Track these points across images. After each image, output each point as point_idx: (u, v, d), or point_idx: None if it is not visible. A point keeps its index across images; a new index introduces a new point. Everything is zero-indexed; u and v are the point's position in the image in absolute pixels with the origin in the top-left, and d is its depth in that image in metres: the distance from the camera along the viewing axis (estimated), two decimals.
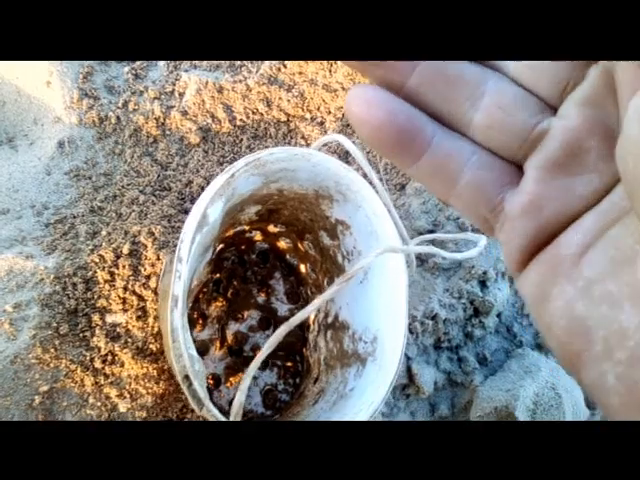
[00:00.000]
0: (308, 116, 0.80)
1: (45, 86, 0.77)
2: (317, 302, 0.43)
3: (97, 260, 0.64)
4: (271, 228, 0.64)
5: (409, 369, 0.68)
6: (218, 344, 0.65)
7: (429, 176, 0.21)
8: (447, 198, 0.22)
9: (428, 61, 0.21)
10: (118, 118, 0.77)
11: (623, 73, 0.19)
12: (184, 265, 0.43)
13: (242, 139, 0.79)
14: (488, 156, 0.22)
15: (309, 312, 0.42)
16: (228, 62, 0.83)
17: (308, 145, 0.78)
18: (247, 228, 0.63)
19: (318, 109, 0.80)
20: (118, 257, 0.64)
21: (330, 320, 0.61)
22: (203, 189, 0.74)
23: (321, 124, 0.79)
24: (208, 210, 0.45)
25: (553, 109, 0.21)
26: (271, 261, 0.69)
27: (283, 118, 0.80)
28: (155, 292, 0.63)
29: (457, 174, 0.21)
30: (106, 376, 0.61)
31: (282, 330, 0.40)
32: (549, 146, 0.21)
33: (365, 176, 0.51)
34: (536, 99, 0.21)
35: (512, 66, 0.22)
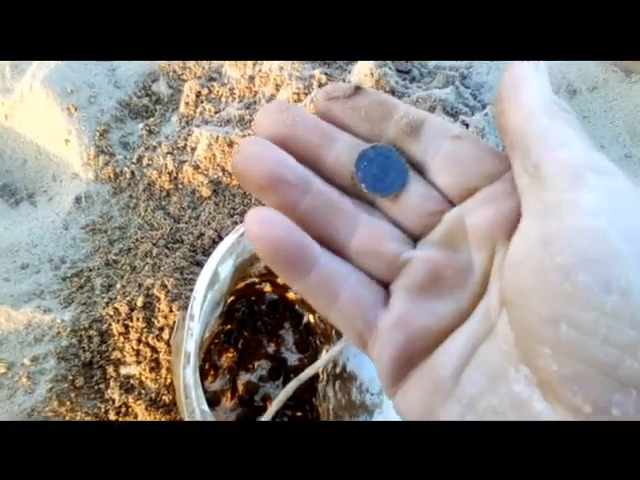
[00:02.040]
0: None
1: (64, 144, 0.81)
2: (326, 357, 0.45)
3: (112, 313, 0.66)
4: (280, 280, 0.66)
5: None
6: (229, 395, 0.66)
7: (313, 292, 0.24)
8: (328, 313, 0.24)
9: (317, 192, 0.24)
10: (132, 173, 0.81)
11: (473, 220, 0.24)
12: (196, 323, 0.45)
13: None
14: (364, 277, 0.25)
15: (318, 368, 0.44)
16: (238, 117, 0.86)
17: None
18: (257, 280, 0.65)
19: None
20: (132, 310, 0.66)
21: (338, 370, 0.62)
22: (214, 241, 0.77)
23: None
24: (219, 268, 0.47)
25: (416, 240, 0.25)
26: (280, 311, 0.70)
27: None
28: (168, 344, 0.65)
29: (337, 291, 0.24)
30: None
31: (291, 386, 0.41)
32: (412, 273, 0.24)
33: None
34: (402, 233, 0.25)
35: (384, 204, 0.26)
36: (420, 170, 0.26)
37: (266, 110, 0.25)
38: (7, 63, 0.85)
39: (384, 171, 0.25)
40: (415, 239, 0.25)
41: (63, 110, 0.81)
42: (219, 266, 0.47)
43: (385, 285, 0.25)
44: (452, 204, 0.25)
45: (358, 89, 0.26)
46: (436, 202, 0.25)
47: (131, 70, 0.90)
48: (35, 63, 0.85)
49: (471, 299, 0.24)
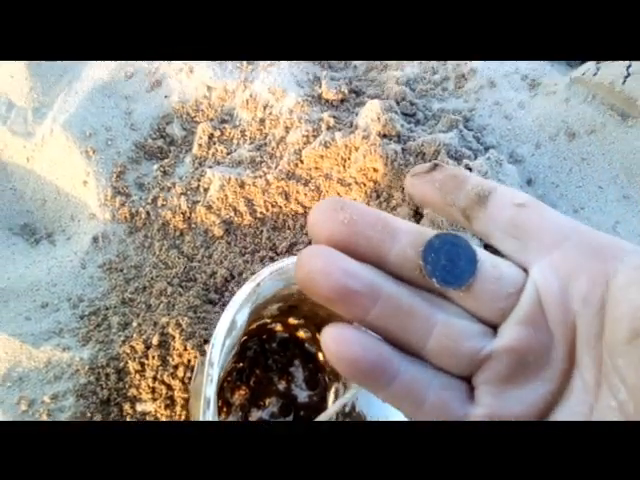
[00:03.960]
0: None
1: (82, 185, 0.84)
2: (338, 405, 0.47)
3: (128, 351, 0.68)
4: (291, 320, 0.68)
5: None
6: None
7: (399, 399, 0.24)
8: (414, 417, 0.24)
9: (387, 297, 0.24)
10: (148, 213, 0.84)
11: (548, 296, 0.23)
12: (215, 369, 0.47)
13: (262, 231, 0.84)
14: (447, 377, 0.25)
15: (329, 415, 0.46)
16: (249, 159, 0.89)
17: None
18: (269, 321, 0.67)
19: None
20: (148, 348, 0.69)
21: (347, 410, 0.64)
22: (226, 280, 0.80)
23: None
24: (237, 316, 0.50)
25: (494, 328, 0.25)
26: (291, 349, 0.73)
27: (300, 210, 0.86)
28: (183, 381, 0.67)
29: (422, 396, 0.24)
30: None
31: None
32: (494, 366, 0.24)
33: None
34: (479, 325, 0.25)
35: (456, 296, 0.25)
36: (486, 239, 0.26)
37: (320, 210, 0.24)
38: (29, 107, 0.89)
39: (453, 261, 0.24)
40: (493, 325, 0.25)
41: (82, 153, 0.85)
42: (237, 314, 0.50)
43: (466, 378, 0.25)
44: (522, 278, 0.24)
45: (436, 165, 0.26)
46: (509, 284, 0.24)
47: (146, 113, 0.94)
48: (55, 107, 0.89)
49: (559, 377, 0.23)
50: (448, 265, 0.24)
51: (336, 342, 0.23)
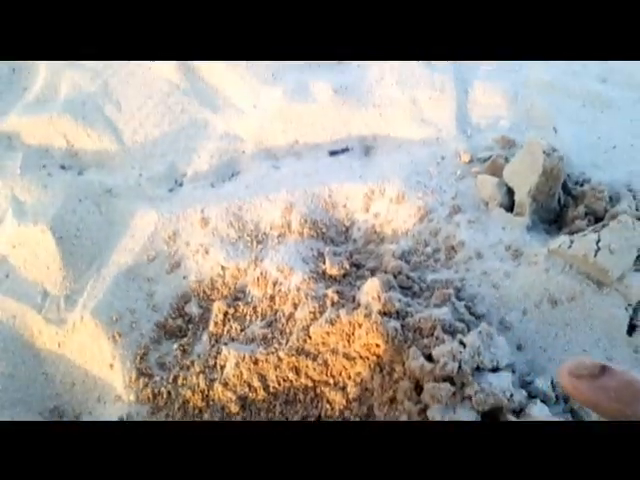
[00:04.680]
0: (331, 381, 0.92)
1: (109, 368, 0.92)
2: None
3: None
4: None
5: None
6: None
7: None
8: None
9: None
10: (169, 393, 0.90)
11: None
12: None
13: (275, 405, 0.90)
14: None
15: None
16: (261, 335, 0.97)
17: (332, 409, 0.90)
18: None
19: (340, 374, 0.93)
20: None
21: None
22: None
23: (343, 389, 0.91)
24: None
25: None
26: None
27: (310, 384, 0.92)
28: None
29: None
30: None
31: None
32: None
33: None
34: None
35: None
36: None
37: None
38: (62, 295, 0.99)
39: None
40: None
41: (109, 338, 0.93)
42: None
43: None
44: None
45: (604, 369, 0.25)
46: None
47: (166, 293, 1.04)
48: (85, 294, 0.98)
49: None
50: None
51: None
